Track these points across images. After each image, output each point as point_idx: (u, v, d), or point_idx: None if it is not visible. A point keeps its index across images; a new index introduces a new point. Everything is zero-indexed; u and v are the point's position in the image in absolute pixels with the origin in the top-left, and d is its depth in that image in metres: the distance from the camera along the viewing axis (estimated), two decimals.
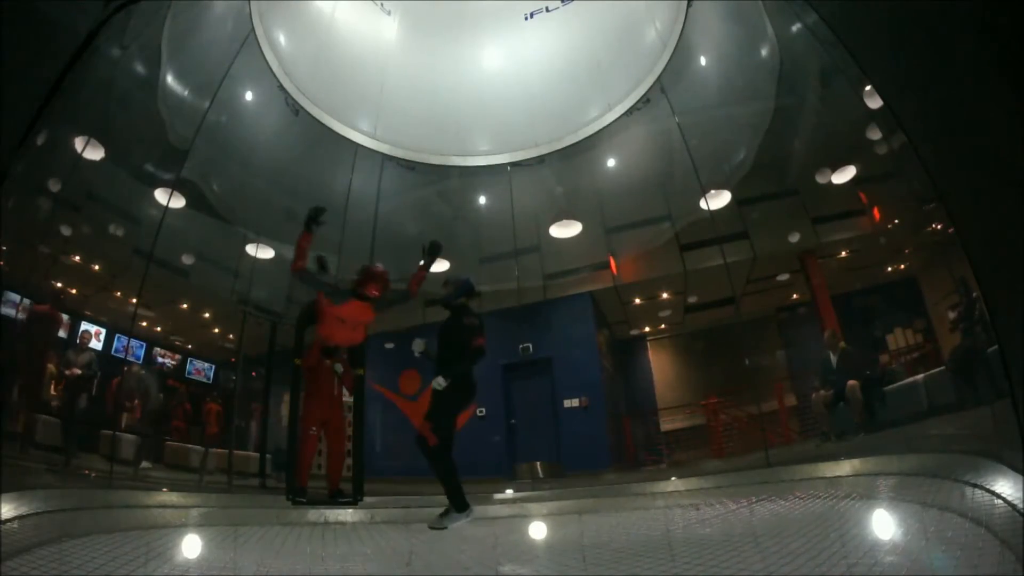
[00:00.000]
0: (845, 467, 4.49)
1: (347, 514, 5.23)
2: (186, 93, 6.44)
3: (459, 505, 3.78)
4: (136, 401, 6.83)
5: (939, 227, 5.17)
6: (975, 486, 2.90)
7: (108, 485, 5.15)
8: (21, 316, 5.47)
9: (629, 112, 7.43)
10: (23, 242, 5.43)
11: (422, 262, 4.65)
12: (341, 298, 4.25)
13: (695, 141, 7.32)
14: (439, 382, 3.88)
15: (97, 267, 6.88)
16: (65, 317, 6.30)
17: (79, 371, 6.03)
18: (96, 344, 6.68)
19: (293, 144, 7.49)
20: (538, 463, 8.74)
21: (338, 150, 7.56)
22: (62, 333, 6.30)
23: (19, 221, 4.97)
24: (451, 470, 3.84)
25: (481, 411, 8.62)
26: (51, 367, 5.96)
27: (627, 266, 9.11)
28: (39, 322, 5.74)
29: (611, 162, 8.36)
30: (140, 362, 7.22)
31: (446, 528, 3.72)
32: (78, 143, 5.61)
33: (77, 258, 6.61)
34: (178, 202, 6.76)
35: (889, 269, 7.84)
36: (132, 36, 5.36)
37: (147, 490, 5.26)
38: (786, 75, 6.56)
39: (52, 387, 5.89)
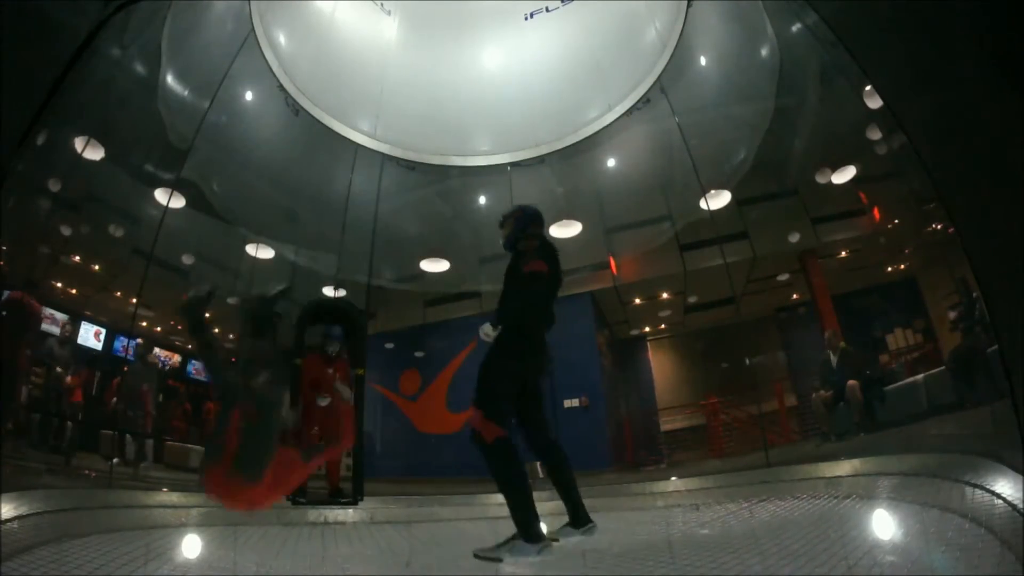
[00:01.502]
0: (845, 467, 4.48)
1: (347, 514, 5.23)
2: (186, 93, 6.44)
3: (529, 533, 2.58)
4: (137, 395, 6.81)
5: (939, 227, 5.18)
6: (975, 486, 2.90)
7: (108, 485, 5.15)
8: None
9: (629, 112, 7.42)
10: (23, 242, 5.43)
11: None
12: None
13: (695, 141, 7.31)
14: (485, 331, 2.83)
15: (97, 267, 6.88)
16: (61, 317, 6.28)
17: (63, 368, 6.00)
18: (96, 344, 6.68)
19: (293, 144, 7.48)
20: (538, 463, 8.73)
21: (338, 150, 7.56)
22: (55, 330, 6.25)
23: (19, 221, 4.97)
24: (515, 477, 2.70)
25: None
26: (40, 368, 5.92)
27: (627, 266, 9.11)
28: (11, 310, 5.63)
29: (611, 162, 8.36)
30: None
31: (501, 561, 2.63)
32: (78, 143, 5.61)
33: (77, 258, 6.61)
34: (178, 202, 6.76)
35: (889, 269, 7.85)
36: (132, 36, 5.36)
37: (147, 490, 5.25)
38: (786, 75, 6.56)
39: (45, 386, 5.86)
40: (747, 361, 8.89)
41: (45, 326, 6.06)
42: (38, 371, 5.81)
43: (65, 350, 6.15)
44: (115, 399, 6.54)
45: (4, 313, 5.35)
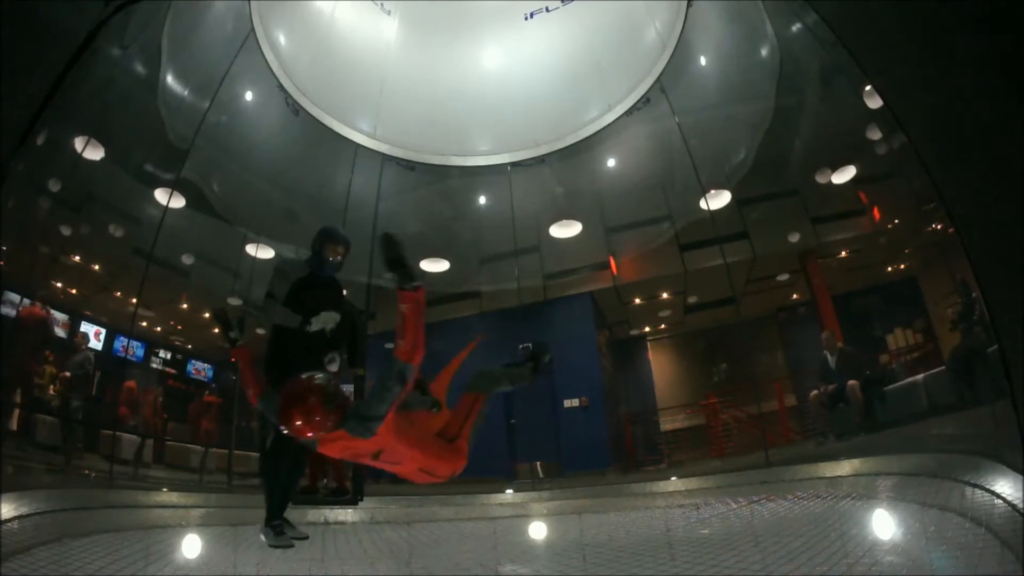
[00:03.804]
0: (845, 467, 4.49)
1: (347, 514, 5.22)
2: (186, 93, 6.43)
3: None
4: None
5: (939, 227, 5.18)
6: (975, 486, 2.90)
7: (108, 485, 5.14)
8: (10, 314, 5.41)
9: (629, 112, 7.41)
10: (23, 242, 5.43)
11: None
12: None
13: (695, 141, 7.31)
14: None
15: (97, 267, 6.88)
16: (61, 317, 6.29)
17: (70, 373, 6.01)
18: (96, 344, 6.68)
19: (293, 144, 7.47)
20: (538, 463, 8.73)
21: (338, 150, 7.55)
22: (61, 333, 6.29)
23: (19, 221, 4.97)
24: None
25: None
26: (50, 368, 5.94)
27: (627, 266, 9.10)
28: (28, 324, 5.68)
29: (611, 162, 8.35)
30: (140, 361, 7.23)
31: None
32: (78, 143, 5.61)
33: (77, 258, 6.61)
34: (178, 202, 6.76)
35: (889, 269, 7.85)
36: (132, 36, 5.36)
37: (147, 490, 5.25)
38: (786, 75, 6.55)
39: (51, 388, 5.88)
40: (747, 361, 8.88)
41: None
42: (40, 371, 5.82)
43: (78, 356, 6.19)
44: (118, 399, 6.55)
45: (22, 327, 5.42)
